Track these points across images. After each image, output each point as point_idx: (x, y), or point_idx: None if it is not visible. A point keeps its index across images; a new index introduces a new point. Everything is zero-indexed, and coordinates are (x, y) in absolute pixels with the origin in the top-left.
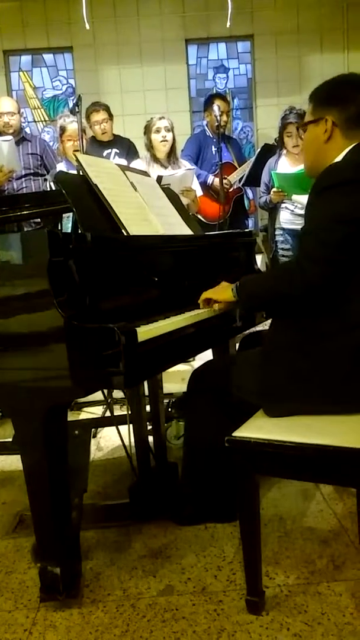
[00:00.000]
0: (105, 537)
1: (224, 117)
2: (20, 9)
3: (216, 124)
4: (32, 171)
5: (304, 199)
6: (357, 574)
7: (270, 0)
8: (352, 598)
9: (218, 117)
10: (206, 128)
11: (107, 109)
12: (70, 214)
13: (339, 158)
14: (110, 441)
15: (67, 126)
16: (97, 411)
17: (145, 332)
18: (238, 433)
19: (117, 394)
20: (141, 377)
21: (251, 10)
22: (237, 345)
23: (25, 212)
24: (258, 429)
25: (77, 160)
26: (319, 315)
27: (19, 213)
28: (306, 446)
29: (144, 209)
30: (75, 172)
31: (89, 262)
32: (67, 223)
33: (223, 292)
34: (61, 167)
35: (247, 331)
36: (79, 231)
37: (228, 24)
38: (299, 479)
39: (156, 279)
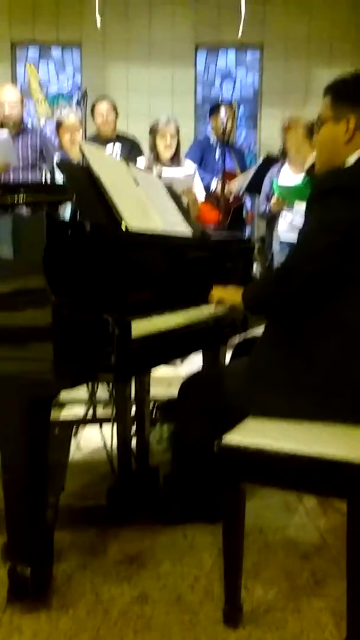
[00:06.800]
0: (80, 539)
1: (229, 123)
2: (32, 1)
3: (222, 129)
4: (30, 163)
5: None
6: (337, 591)
7: (282, 9)
8: (332, 615)
9: (224, 122)
10: (210, 135)
11: (113, 103)
12: (67, 207)
13: (352, 159)
14: (90, 442)
15: (64, 120)
16: (78, 411)
17: (140, 326)
18: (227, 437)
19: (101, 394)
20: (132, 372)
21: (263, 18)
22: (230, 353)
23: (21, 199)
24: (248, 433)
25: (81, 150)
26: (310, 317)
27: (15, 200)
28: (298, 455)
29: (145, 204)
30: None
31: (86, 252)
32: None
33: (234, 295)
34: (57, 159)
35: (240, 339)
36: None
37: (240, 29)
38: (288, 489)
39: (153, 275)
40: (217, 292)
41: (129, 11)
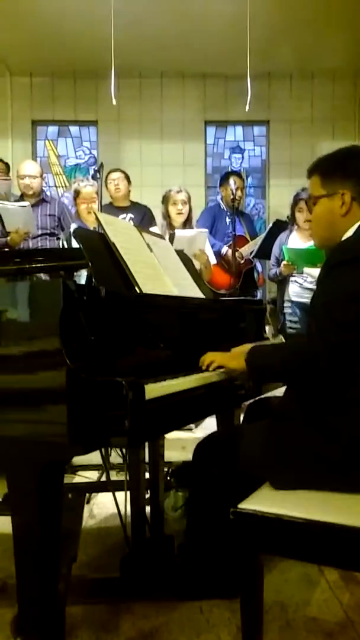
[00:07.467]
0: (92, 613)
1: (239, 192)
2: (51, 84)
3: (231, 197)
4: (48, 231)
5: (314, 271)
6: None
7: (287, 89)
8: None
9: (234, 191)
10: (221, 202)
11: (125, 173)
12: (82, 273)
13: (350, 231)
14: (103, 508)
15: (82, 190)
16: (91, 476)
17: (153, 389)
18: (244, 505)
19: (115, 458)
20: (146, 437)
21: (268, 98)
22: (243, 415)
23: (39, 265)
24: (265, 501)
25: (97, 218)
26: (330, 389)
27: (33, 265)
28: (318, 524)
29: (158, 269)
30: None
31: (101, 316)
32: (78, 281)
33: (235, 360)
34: (74, 227)
35: (253, 400)
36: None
37: (247, 108)
38: (308, 561)
39: (165, 339)
40: (214, 357)
41: (142, 91)
